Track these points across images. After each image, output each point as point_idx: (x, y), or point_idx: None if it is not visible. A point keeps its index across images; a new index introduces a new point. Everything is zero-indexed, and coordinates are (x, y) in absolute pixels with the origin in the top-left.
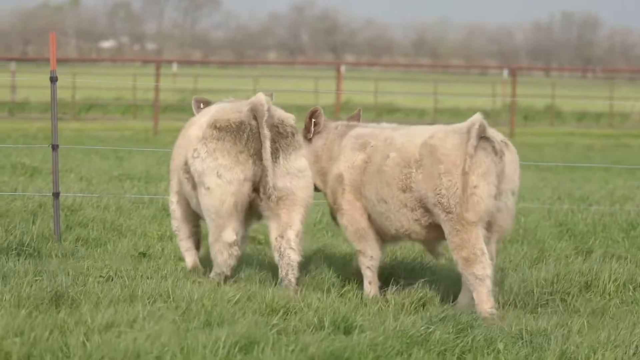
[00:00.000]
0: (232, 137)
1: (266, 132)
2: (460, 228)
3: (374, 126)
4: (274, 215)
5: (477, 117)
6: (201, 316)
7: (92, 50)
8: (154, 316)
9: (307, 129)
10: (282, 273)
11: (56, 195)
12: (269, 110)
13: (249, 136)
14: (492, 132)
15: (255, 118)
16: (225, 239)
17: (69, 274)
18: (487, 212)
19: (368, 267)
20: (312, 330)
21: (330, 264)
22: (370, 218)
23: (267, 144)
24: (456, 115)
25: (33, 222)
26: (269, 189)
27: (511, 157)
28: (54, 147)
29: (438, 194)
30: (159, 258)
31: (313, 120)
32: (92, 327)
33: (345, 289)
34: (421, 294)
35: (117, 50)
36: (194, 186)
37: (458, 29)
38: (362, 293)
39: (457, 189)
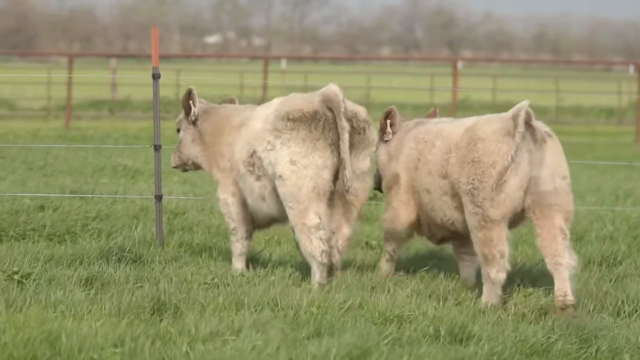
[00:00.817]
0: (307, 126)
1: (344, 124)
2: (484, 224)
3: (436, 121)
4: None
5: (524, 104)
6: (310, 325)
7: (197, 46)
8: (261, 325)
9: (382, 131)
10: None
11: (159, 198)
12: (344, 101)
13: (324, 125)
14: (536, 122)
15: (329, 109)
16: (309, 223)
17: (171, 281)
18: (513, 209)
19: (387, 261)
20: (427, 341)
21: (446, 271)
22: (419, 217)
23: (346, 136)
24: (578, 113)
25: (135, 227)
26: (346, 183)
27: (555, 145)
28: (156, 148)
29: (471, 184)
30: (266, 263)
31: (389, 121)
32: (196, 337)
33: (462, 297)
34: (542, 302)
35: (222, 46)
36: (259, 179)
37: (581, 23)
38: (479, 301)
39: (488, 181)
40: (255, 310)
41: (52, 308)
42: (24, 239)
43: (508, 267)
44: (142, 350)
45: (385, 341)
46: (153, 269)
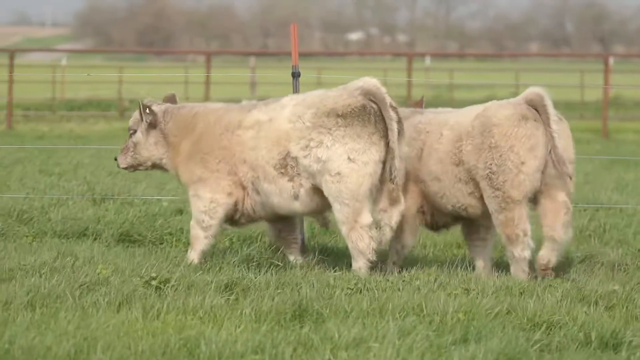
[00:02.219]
0: (360, 121)
1: (392, 114)
2: (505, 206)
3: (436, 111)
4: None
5: (539, 89)
6: (457, 331)
7: (339, 43)
8: (406, 331)
9: None
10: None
11: None
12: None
13: (375, 118)
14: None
15: (373, 101)
16: (363, 222)
17: (313, 286)
18: (533, 189)
19: (397, 252)
20: (577, 347)
21: (595, 274)
22: (422, 206)
23: (395, 126)
24: None
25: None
26: (394, 172)
27: (565, 129)
28: None
29: (488, 169)
30: (410, 267)
31: None
32: (339, 344)
33: (613, 302)
34: None
35: (365, 43)
36: (293, 179)
37: None
38: (632, 306)
39: (507, 164)
40: (400, 316)
41: (191, 314)
42: (161, 243)
43: (532, 244)
44: (282, 357)
45: (534, 347)
46: (294, 274)
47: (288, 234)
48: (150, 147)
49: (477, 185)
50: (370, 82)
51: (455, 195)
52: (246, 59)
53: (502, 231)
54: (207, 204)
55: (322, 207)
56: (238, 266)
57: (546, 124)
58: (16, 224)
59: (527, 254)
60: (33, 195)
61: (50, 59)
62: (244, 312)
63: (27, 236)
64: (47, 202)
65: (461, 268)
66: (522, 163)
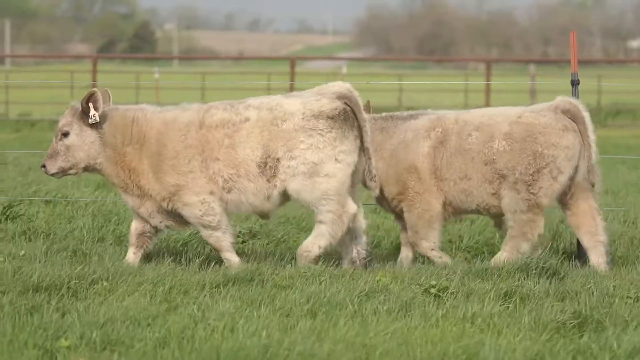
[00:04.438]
0: (348, 124)
1: (365, 116)
2: (532, 209)
3: (451, 113)
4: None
5: (573, 99)
6: None
7: (619, 51)
8: None
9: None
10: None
11: None
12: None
13: (353, 121)
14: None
15: (347, 104)
16: (350, 210)
17: (592, 295)
18: (558, 195)
19: (433, 249)
20: None
21: None
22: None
23: (368, 128)
24: None
25: (555, 239)
26: (373, 171)
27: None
28: None
29: (529, 174)
30: None
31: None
32: (618, 353)
33: None
34: None
35: None
36: (270, 180)
37: None
38: None
39: (546, 174)
40: None
41: (470, 322)
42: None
43: (539, 248)
44: None
45: None
46: (574, 282)
47: (148, 238)
48: (85, 148)
49: (501, 185)
50: (344, 86)
51: (481, 194)
52: (526, 67)
53: (520, 228)
54: (200, 207)
55: (278, 206)
56: (516, 274)
57: (584, 134)
58: (295, 232)
59: (529, 250)
60: None
61: (331, 67)
62: (523, 320)
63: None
64: None
65: None
66: (560, 173)
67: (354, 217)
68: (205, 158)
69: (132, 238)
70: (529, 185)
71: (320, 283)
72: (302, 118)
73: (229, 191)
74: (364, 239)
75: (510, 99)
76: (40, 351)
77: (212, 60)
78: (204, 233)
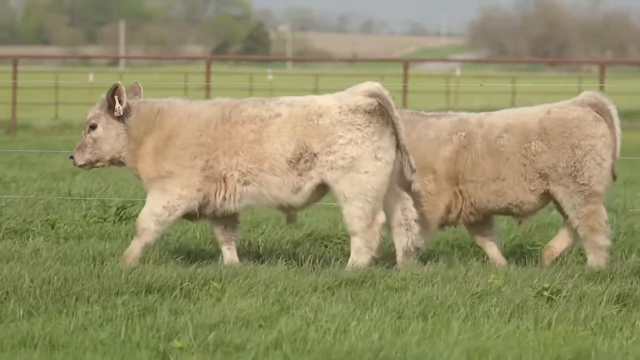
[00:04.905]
0: (384, 120)
1: (397, 114)
2: (589, 199)
3: (466, 115)
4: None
5: (598, 93)
6: None
7: None
8: None
9: None
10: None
11: None
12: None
13: (388, 118)
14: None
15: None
16: (380, 220)
17: None
18: (610, 183)
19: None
20: None
21: None
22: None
23: (402, 125)
24: None
25: None
26: (412, 165)
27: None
28: None
29: (572, 167)
30: None
31: None
32: None
33: None
34: None
35: None
36: (302, 174)
37: None
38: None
39: (591, 162)
40: None
41: (582, 325)
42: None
43: (611, 232)
44: None
45: None
46: None
47: (231, 231)
48: (111, 140)
49: (541, 182)
50: (375, 85)
51: (517, 193)
52: None
53: (585, 223)
54: (173, 200)
55: (312, 202)
56: (630, 277)
57: (611, 126)
58: None
59: (609, 242)
60: None
61: (445, 69)
62: (635, 323)
63: None
64: None
65: None
66: (603, 160)
67: (382, 225)
68: (216, 156)
69: (218, 237)
70: (575, 177)
71: (433, 285)
72: (339, 112)
73: (245, 183)
74: (416, 228)
75: (626, 102)
76: (153, 352)
77: (326, 62)
78: (144, 213)
